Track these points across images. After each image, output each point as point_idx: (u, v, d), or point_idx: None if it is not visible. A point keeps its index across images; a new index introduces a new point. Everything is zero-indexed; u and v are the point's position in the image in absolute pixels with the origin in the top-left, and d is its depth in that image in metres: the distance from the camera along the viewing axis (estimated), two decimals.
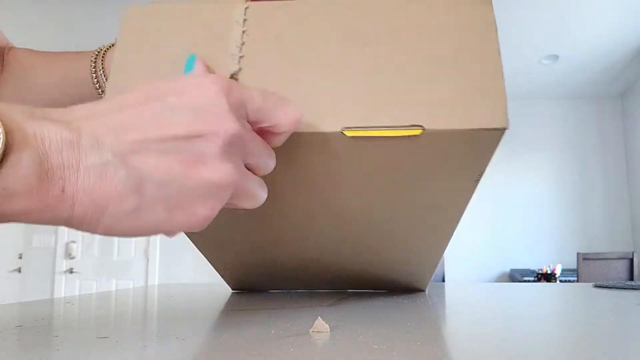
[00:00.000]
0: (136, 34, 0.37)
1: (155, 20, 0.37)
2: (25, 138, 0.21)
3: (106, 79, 0.50)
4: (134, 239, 4.27)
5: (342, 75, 0.33)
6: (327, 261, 0.51)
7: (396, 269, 0.53)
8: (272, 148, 0.30)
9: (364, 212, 0.41)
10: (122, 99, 0.25)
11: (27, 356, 0.25)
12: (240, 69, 0.34)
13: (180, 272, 4.15)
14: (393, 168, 0.35)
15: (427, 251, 0.49)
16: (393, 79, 0.32)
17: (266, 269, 0.55)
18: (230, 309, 0.44)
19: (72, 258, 4.34)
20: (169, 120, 0.24)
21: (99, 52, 0.51)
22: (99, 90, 0.50)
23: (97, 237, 4.33)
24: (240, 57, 0.34)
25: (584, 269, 3.20)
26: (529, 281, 3.55)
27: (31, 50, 0.54)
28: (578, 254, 3.24)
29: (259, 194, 0.29)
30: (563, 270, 3.83)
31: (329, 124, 0.32)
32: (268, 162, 0.29)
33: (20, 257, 4.42)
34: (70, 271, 4.34)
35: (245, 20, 0.36)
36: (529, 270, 4.08)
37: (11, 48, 0.54)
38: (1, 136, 0.20)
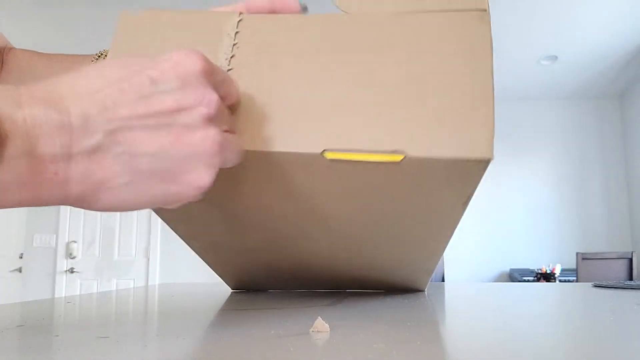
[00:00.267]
0: (130, 40, 0.37)
1: (149, 27, 0.37)
2: (15, 125, 0.21)
3: None
4: (134, 239, 4.27)
5: (328, 93, 0.32)
6: (323, 264, 0.51)
7: (392, 273, 0.53)
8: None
9: (352, 224, 0.41)
10: (103, 73, 0.25)
11: (27, 356, 0.25)
12: None
13: (180, 271, 4.15)
14: (375, 189, 0.34)
15: (421, 258, 0.49)
16: (379, 98, 0.32)
17: (263, 271, 0.55)
18: (230, 309, 0.45)
19: (73, 258, 4.34)
20: (154, 95, 0.25)
21: (99, 55, 0.51)
22: None
23: (98, 237, 4.33)
24: (229, 69, 0.34)
25: (584, 268, 3.20)
26: (528, 281, 3.55)
27: (31, 51, 0.54)
28: (577, 253, 3.24)
29: (239, 151, 0.30)
30: (562, 270, 3.83)
31: (310, 144, 0.31)
32: (232, 127, 0.31)
33: (21, 257, 4.42)
34: (71, 271, 4.34)
35: (237, 32, 0.35)
36: (528, 270, 4.08)
37: (10, 49, 0.54)
38: None
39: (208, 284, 0.77)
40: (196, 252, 0.51)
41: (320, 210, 0.39)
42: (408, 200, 0.36)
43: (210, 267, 0.56)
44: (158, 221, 4.08)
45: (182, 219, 0.44)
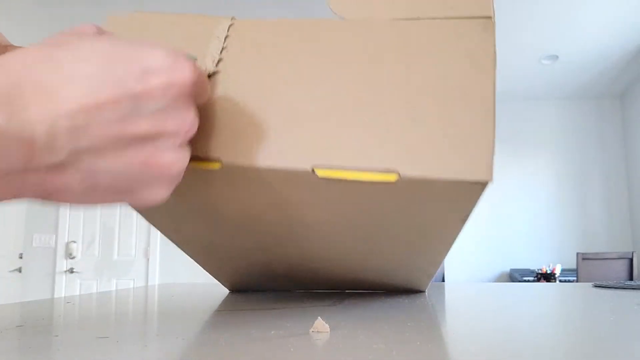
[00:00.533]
0: None
1: (137, 29, 0.36)
2: None
3: None
4: (134, 239, 4.27)
5: (320, 104, 0.31)
6: (319, 266, 0.51)
7: (391, 275, 0.53)
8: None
9: (347, 233, 0.40)
10: (78, 66, 0.22)
11: (27, 356, 0.25)
12: (211, 86, 0.32)
13: (180, 272, 4.15)
14: (368, 205, 0.33)
15: (420, 264, 0.49)
16: (373, 112, 0.30)
17: (259, 272, 0.54)
18: (230, 309, 0.44)
19: (73, 258, 4.34)
20: (133, 118, 0.23)
21: None
22: None
23: (98, 237, 4.33)
24: (215, 71, 0.32)
25: (584, 268, 3.20)
26: (528, 281, 3.55)
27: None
28: (578, 253, 3.24)
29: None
30: (563, 270, 3.83)
31: (299, 160, 0.29)
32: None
33: (21, 257, 4.42)
34: (71, 271, 4.34)
35: (227, 36, 0.34)
36: (528, 270, 4.08)
37: (10, 50, 0.54)
38: None
39: (208, 285, 0.77)
40: (190, 256, 0.50)
41: (311, 219, 0.38)
42: (403, 216, 0.35)
43: (205, 269, 0.55)
44: None
45: (170, 226, 0.43)
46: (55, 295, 4.24)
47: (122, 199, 0.25)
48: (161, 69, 0.24)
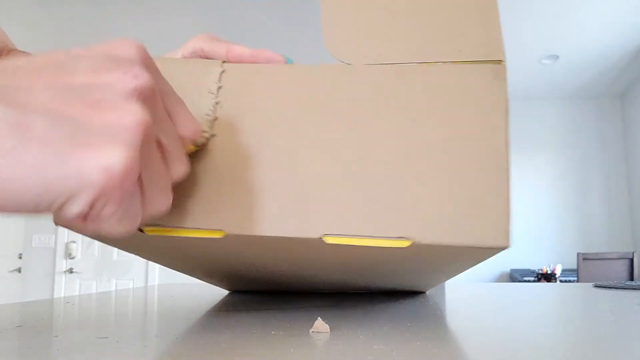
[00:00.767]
0: None
1: None
2: None
3: None
4: None
5: (325, 167, 0.28)
6: (310, 279, 0.49)
7: (394, 285, 0.53)
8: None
9: (350, 276, 0.40)
10: (29, 58, 0.21)
11: (26, 356, 0.25)
12: (208, 150, 0.29)
13: (180, 272, 4.15)
14: (377, 263, 0.32)
15: (425, 284, 0.49)
16: (381, 176, 0.28)
17: (257, 281, 0.54)
18: (230, 309, 0.44)
19: (72, 258, 4.34)
20: (70, 65, 0.20)
21: None
22: None
23: None
24: (212, 135, 0.29)
25: (584, 269, 3.20)
26: (529, 281, 3.55)
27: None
28: (578, 254, 3.24)
29: (168, 194, 0.24)
30: (563, 270, 3.83)
31: (307, 228, 0.27)
32: (180, 157, 0.25)
33: (20, 257, 4.43)
34: (70, 271, 4.34)
35: (219, 88, 0.31)
36: (529, 270, 4.08)
37: (10, 50, 0.53)
38: None
39: (207, 285, 0.77)
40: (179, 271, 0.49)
41: (316, 269, 0.37)
42: (414, 268, 0.34)
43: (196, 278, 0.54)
44: None
45: (153, 258, 0.40)
46: (55, 296, 4.24)
47: (62, 168, 0.19)
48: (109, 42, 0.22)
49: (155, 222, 0.28)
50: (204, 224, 0.28)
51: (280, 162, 0.29)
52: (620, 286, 0.66)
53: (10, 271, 4.46)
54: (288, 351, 0.25)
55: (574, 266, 3.94)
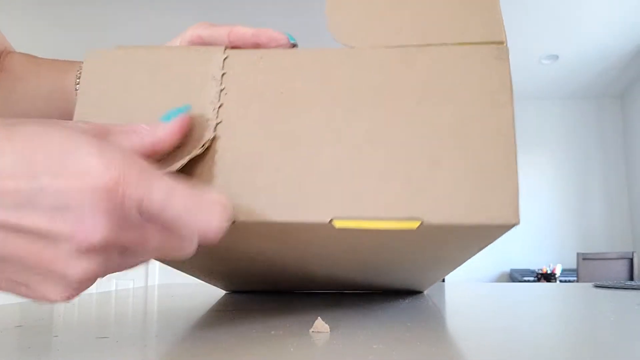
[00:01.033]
0: (99, 82, 0.32)
1: (121, 67, 0.32)
2: None
3: None
4: None
5: (333, 150, 0.28)
6: (313, 273, 0.49)
7: (394, 283, 0.53)
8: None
9: (355, 263, 0.39)
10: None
11: (26, 356, 0.25)
12: (215, 137, 0.29)
13: (180, 272, 4.15)
14: (385, 247, 0.32)
15: (426, 278, 0.49)
16: (389, 157, 0.28)
17: (256, 279, 0.54)
18: (230, 310, 0.44)
19: None
20: (30, 208, 0.21)
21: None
22: None
23: None
24: (218, 123, 0.29)
25: (584, 269, 3.20)
26: (529, 281, 3.55)
27: (28, 56, 0.50)
28: (578, 254, 3.24)
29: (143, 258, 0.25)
30: (563, 270, 3.83)
31: (315, 213, 0.27)
32: (173, 253, 0.25)
33: None
34: None
35: (223, 74, 0.30)
36: (529, 270, 4.08)
37: (9, 52, 0.52)
38: None
39: (207, 285, 0.77)
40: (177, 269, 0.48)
41: (323, 255, 0.36)
42: (421, 252, 0.34)
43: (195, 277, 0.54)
44: None
45: None
46: None
47: (20, 291, 0.23)
48: (83, 155, 0.21)
49: None
50: None
51: (288, 146, 0.29)
52: (620, 286, 0.66)
53: None
54: (288, 351, 0.25)
55: (574, 266, 3.94)
